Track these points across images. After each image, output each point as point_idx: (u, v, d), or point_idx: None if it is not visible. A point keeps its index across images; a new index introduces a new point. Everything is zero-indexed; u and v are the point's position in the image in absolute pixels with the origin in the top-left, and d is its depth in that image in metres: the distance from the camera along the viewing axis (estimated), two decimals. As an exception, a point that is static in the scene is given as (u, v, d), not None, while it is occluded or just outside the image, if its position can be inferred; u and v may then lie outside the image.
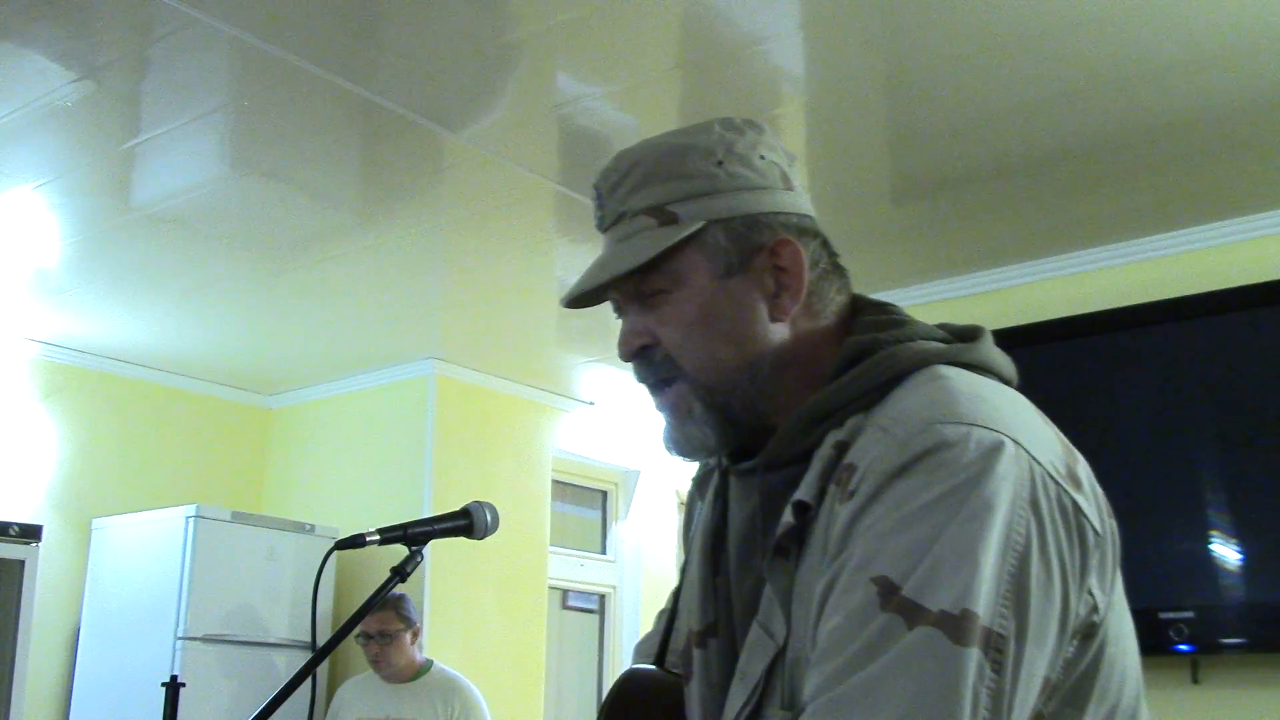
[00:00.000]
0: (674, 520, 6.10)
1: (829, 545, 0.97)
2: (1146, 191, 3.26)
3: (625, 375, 5.14)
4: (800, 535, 1.01)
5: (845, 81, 2.77)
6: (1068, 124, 2.91)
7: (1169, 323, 3.40)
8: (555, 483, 5.49)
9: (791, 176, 1.13)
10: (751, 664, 1.04)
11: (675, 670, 1.24)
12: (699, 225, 1.07)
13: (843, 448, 1.01)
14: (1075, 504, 0.96)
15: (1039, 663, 0.92)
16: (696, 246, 1.08)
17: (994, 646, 0.88)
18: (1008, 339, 1.18)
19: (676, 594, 1.29)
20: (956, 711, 0.86)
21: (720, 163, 1.09)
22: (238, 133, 3.04)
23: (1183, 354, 3.40)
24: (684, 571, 1.25)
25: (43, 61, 2.67)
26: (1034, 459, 0.95)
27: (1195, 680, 3.18)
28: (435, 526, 1.62)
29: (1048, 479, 0.95)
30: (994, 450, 0.93)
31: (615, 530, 5.97)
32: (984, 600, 0.89)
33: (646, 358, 1.11)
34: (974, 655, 0.87)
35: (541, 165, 3.21)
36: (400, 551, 1.60)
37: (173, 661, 4.18)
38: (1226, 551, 3.19)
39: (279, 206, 3.47)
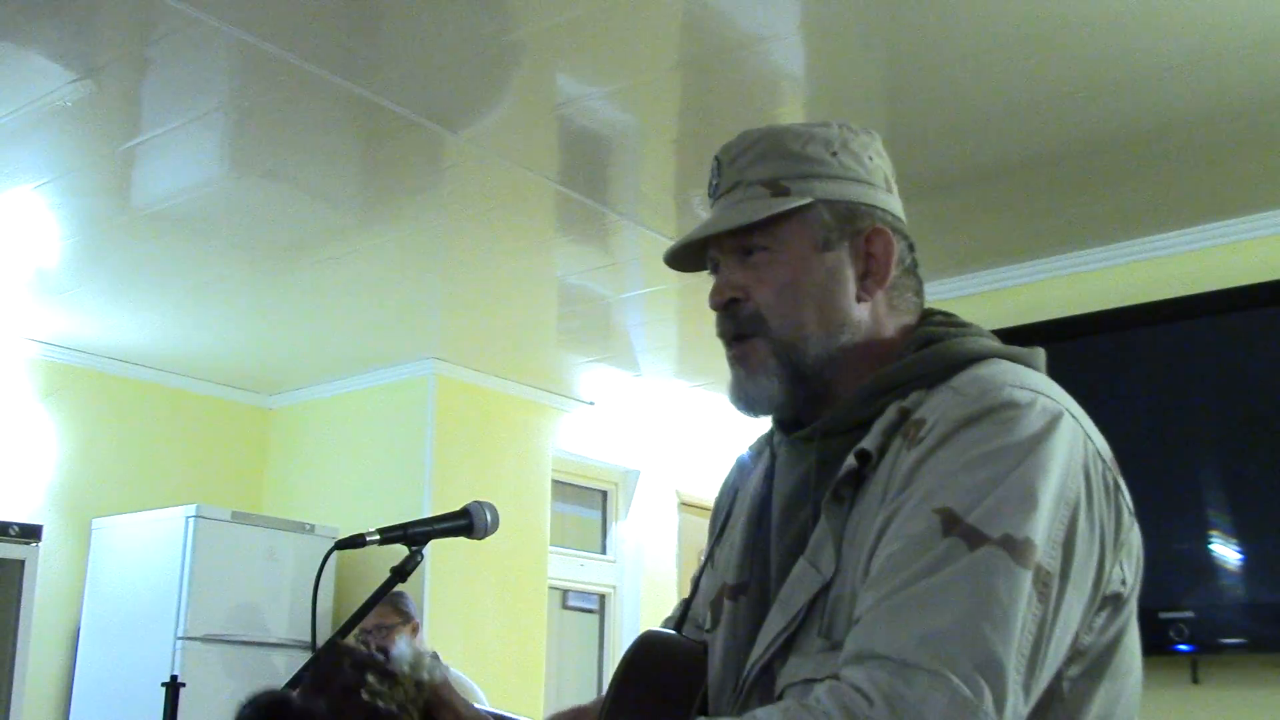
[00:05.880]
0: (674, 520, 6.10)
1: (889, 488, 1.04)
2: (1146, 191, 3.26)
3: (625, 375, 5.17)
4: (858, 483, 1.08)
5: (845, 81, 2.77)
6: (1068, 124, 2.91)
7: (1169, 323, 3.40)
8: (555, 483, 5.49)
9: (892, 183, 1.23)
10: (794, 594, 1.08)
11: (691, 638, 1.31)
12: (808, 200, 1.17)
13: (906, 413, 1.09)
14: (1117, 483, 1.07)
15: (1076, 609, 0.99)
16: (802, 219, 1.17)
17: (1041, 580, 0.96)
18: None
19: (696, 580, 1.35)
20: (1012, 623, 0.93)
21: (835, 153, 1.19)
22: (237, 133, 3.04)
23: (1183, 354, 3.39)
24: (719, 538, 1.31)
25: (43, 61, 2.67)
26: (1088, 435, 1.06)
27: (1195, 680, 3.18)
28: (435, 526, 1.62)
29: (1097, 456, 1.06)
30: (1057, 417, 1.04)
31: (615, 530, 5.97)
32: (1040, 535, 0.97)
33: (733, 311, 1.19)
34: (1029, 578, 0.95)
35: (541, 165, 3.21)
36: (400, 551, 1.60)
37: (173, 661, 4.18)
38: (1226, 551, 3.19)
39: (279, 206, 3.47)
